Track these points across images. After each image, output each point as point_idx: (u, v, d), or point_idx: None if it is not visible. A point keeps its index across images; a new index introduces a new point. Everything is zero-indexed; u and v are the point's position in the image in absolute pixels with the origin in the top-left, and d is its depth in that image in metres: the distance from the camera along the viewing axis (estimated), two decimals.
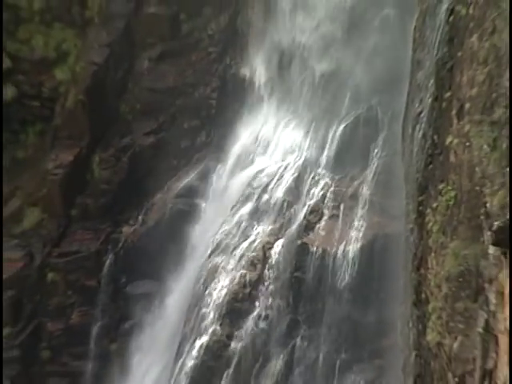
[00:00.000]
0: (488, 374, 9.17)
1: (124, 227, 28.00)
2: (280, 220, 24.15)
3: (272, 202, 24.58)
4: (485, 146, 8.88)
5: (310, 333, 22.46)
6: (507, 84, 8.50)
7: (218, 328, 22.83)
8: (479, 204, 9.21)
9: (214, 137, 28.66)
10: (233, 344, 22.66)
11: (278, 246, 23.41)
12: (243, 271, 23.25)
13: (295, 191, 24.66)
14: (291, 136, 26.61)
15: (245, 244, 23.85)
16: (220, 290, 23.24)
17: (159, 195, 28.08)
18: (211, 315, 23.02)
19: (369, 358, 21.83)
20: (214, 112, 28.84)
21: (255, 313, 22.82)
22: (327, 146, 25.39)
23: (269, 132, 27.27)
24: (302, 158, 25.57)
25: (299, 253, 23.00)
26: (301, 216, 23.82)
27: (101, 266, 27.51)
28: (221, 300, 23.04)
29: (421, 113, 12.65)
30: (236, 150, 27.43)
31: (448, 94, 11.10)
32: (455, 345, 9.89)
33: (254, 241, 23.83)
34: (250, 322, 22.75)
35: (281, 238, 23.61)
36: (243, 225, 24.56)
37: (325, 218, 23.68)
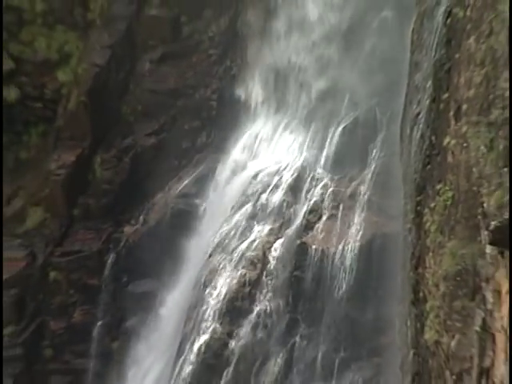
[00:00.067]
0: (485, 372, 9.17)
1: (125, 227, 28.01)
2: (279, 220, 24.15)
3: (272, 202, 24.58)
4: (482, 147, 8.88)
5: (310, 331, 22.46)
6: (504, 85, 8.50)
7: (219, 326, 22.83)
8: (476, 204, 9.21)
9: (214, 138, 28.67)
10: (233, 342, 22.66)
11: (277, 245, 23.41)
12: (243, 270, 23.25)
13: (295, 191, 24.66)
14: (291, 137, 26.63)
15: (245, 243, 23.85)
16: (220, 289, 23.24)
17: (160, 195, 28.09)
18: (211, 314, 23.01)
19: (367, 357, 21.82)
20: (214, 113, 28.84)
21: (255, 311, 22.82)
22: (326, 146, 25.39)
23: (269, 133, 27.28)
24: (302, 159, 25.58)
25: (298, 252, 22.99)
26: (300, 216, 23.82)
27: (102, 265, 27.52)
28: (221, 299, 23.04)
29: (419, 114, 12.65)
30: (236, 150, 27.43)
31: (446, 95, 11.10)
32: (453, 343, 9.89)
33: (253, 240, 23.83)
34: (249, 321, 22.75)
35: (280, 237, 23.61)
36: (243, 224, 24.56)
37: (324, 217, 23.68)
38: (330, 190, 24.20)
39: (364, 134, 24.80)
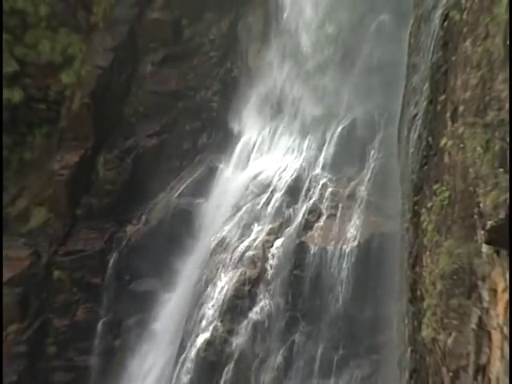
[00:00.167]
0: (481, 369, 9.17)
1: (128, 226, 28.01)
2: (279, 219, 24.15)
3: (272, 201, 24.58)
4: (478, 148, 8.88)
5: (309, 329, 22.46)
6: (500, 87, 8.51)
7: (219, 324, 22.82)
8: (473, 204, 9.21)
9: (215, 138, 28.68)
10: (233, 340, 22.66)
11: (277, 244, 23.42)
12: (244, 269, 23.25)
13: (294, 192, 24.66)
14: (290, 138, 26.63)
15: (245, 243, 23.85)
16: (221, 287, 23.24)
17: (162, 195, 28.09)
18: (212, 312, 23.02)
19: (366, 354, 21.82)
20: (215, 114, 28.86)
21: (255, 309, 22.81)
22: (325, 147, 25.40)
23: (268, 134, 27.28)
24: (301, 159, 25.58)
25: (298, 251, 22.99)
26: (300, 215, 23.82)
27: (105, 264, 27.53)
28: (222, 297, 23.04)
29: (416, 115, 12.64)
30: (237, 151, 27.45)
31: (442, 97, 11.09)
32: (449, 340, 9.89)
33: (254, 240, 23.83)
34: (250, 319, 22.74)
35: (280, 236, 23.61)
36: (244, 224, 24.57)
37: (323, 217, 23.68)
38: (329, 190, 24.20)
39: (362, 135, 24.80)
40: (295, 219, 23.85)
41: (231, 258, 23.70)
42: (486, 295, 9.04)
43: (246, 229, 24.40)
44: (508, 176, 8.07)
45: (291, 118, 26.93)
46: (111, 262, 27.54)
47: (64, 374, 27.10)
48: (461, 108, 10.00)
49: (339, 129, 25.28)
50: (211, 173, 27.67)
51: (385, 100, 22.71)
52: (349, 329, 21.99)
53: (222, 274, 23.53)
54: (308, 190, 24.51)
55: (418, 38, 13.37)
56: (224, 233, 24.62)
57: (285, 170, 25.50)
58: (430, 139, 11.68)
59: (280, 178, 25.20)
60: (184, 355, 23.03)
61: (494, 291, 8.87)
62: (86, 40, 29.30)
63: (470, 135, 9.27)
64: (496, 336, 8.79)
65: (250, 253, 23.48)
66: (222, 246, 24.34)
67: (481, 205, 8.66)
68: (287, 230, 23.66)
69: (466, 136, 9.50)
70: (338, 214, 23.53)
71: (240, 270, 23.27)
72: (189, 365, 22.75)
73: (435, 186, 11.03)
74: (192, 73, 29.40)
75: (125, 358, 26.43)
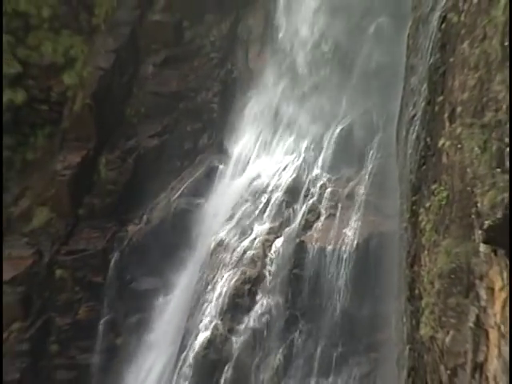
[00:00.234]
0: (479, 367, 9.18)
1: (129, 226, 27.99)
2: (279, 219, 24.15)
3: (271, 201, 24.58)
4: (476, 148, 8.88)
5: (308, 327, 22.46)
6: (497, 88, 8.51)
7: (220, 323, 22.82)
8: (470, 204, 9.21)
9: (215, 139, 28.67)
10: (234, 338, 22.66)
11: (277, 244, 23.42)
12: (244, 268, 23.25)
13: (294, 191, 24.66)
14: (290, 138, 26.62)
15: (245, 242, 23.85)
16: (221, 286, 23.23)
17: (163, 195, 28.08)
18: (213, 310, 23.02)
19: (364, 352, 21.82)
20: (215, 115, 28.85)
21: (255, 308, 22.81)
22: (324, 148, 25.39)
23: (268, 135, 27.28)
24: (301, 160, 25.57)
25: (298, 250, 22.99)
26: (299, 215, 23.82)
27: (107, 263, 27.51)
28: (222, 296, 23.04)
29: (414, 116, 12.65)
30: (237, 151, 27.44)
31: (440, 98, 11.10)
32: (447, 339, 9.89)
33: (254, 239, 23.83)
34: (250, 317, 22.74)
35: (280, 236, 23.61)
36: (244, 223, 24.57)
37: (322, 217, 23.68)
38: (328, 190, 24.20)
39: (361, 135, 24.80)
40: (295, 219, 23.85)
41: (231, 258, 23.70)
42: (483, 294, 9.04)
43: (246, 228, 24.40)
44: (505, 176, 8.07)
45: (291, 119, 26.93)
46: (113, 261, 27.52)
47: (66, 372, 27.09)
48: (459, 109, 10.01)
49: (338, 129, 25.28)
50: (212, 173, 27.67)
51: (383, 101, 22.72)
52: (348, 327, 21.99)
53: (223, 274, 23.53)
54: (307, 190, 24.51)
55: (417, 39, 13.38)
56: (224, 232, 24.61)
57: (284, 170, 25.49)
58: (428, 140, 11.68)
59: (280, 179, 25.20)
60: (185, 353, 23.02)
61: (491, 290, 8.87)
62: (87, 42, 29.30)
63: (467, 136, 9.27)
64: (493, 334, 8.79)
65: (249, 252, 23.48)
66: (222, 245, 24.33)
67: (478, 204, 8.67)
68: (287, 229, 23.66)
69: (463, 136, 9.50)
70: (337, 214, 23.53)
71: (240, 270, 23.27)
72: (189, 363, 22.75)
73: (433, 186, 11.03)
74: (193, 74, 29.39)
75: (126, 356, 26.42)
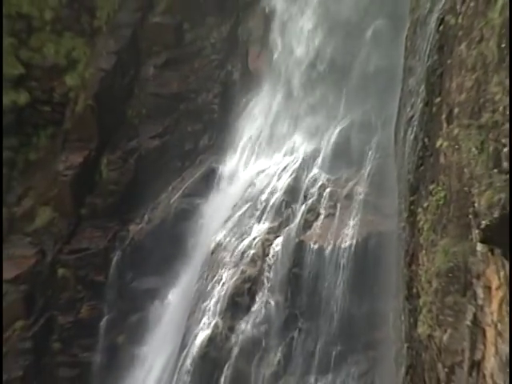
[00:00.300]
0: (476, 365, 9.18)
1: (131, 225, 28.00)
2: (279, 219, 24.13)
3: (271, 201, 24.57)
4: (473, 149, 8.88)
5: (307, 326, 22.44)
6: (494, 90, 8.50)
7: (220, 321, 22.82)
8: (468, 204, 9.21)
9: (216, 140, 28.67)
10: (234, 336, 22.64)
11: (276, 243, 23.40)
12: (244, 267, 23.24)
13: (293, 191, 24.64)
14: (290, 139, 26.61)
15: (245, 241, 23.83)
16: (222, 285, 23.23)
17: (164, 195, 28.08)
18: (213, 309, 23.01)
19: (363, 350, 21.80)
20: (215, 116, 28.85)
21: (255, 307, 22.80)
22: (323, 148, 25.37)
23: (268, 135, 27.27)
24: (300, 160, 25.55)
25: (297, 250, 22.97)
26: (299, 215, 23.80)
27: (109, 262, 27.52)
28: (222, 295, 23.03)
29: (412, 117, 12.64)
30: (237, 152, 27.44)
31: (438, 99, 11.09)
32: (445, 337, 9.89)
33: (254, 238, 23.81)
34: (250, 316, 22.74)
35: (279, 235, 23.59)
36: (244, 223, 24.55)
37: (321, 216, 23.65)
38: (327, 190, 24.18)
39: (360, 136, 24.77)
40: (294, 218, 23.83)
41: (231, 257, 23.69)
42: (480, 293, 9.04)
43: (245, 228, 24.39)
44: (502, 176, 8.07)
45: (290, 121, 26.93)
46: (115, 260, 27.53)
47: (68, 370, 27.10)
48: (456, 110, 10.00)
49: (337, 130, 25.26)
50: (212, 173, 27.66)
51: (382, 102, 22.71)
52: (346, 326, 21.98)
53: (223, 272, 23.52)
54: (307, 190, 24.48)
55: (414, 41, 13.37)
56: (224, 232, 24.60)
57: (284, 170, 25.48)
58: (425, 140, 11.67)
59: (279, 179, 25.18)
60: (185, 352, 23.01)
61: (488, 289, 8.87)
62: (89, 43, 29.31)
63: (465, 136, 9.27)
64: (490, 333, 8.79)
65: (249, 252, 23.47)
66: (222, 244, 24.32)
67: (475, 204, 8.66)
68: (286, 229, 23.64)
69: (461, 137, 9.50)
70: (336, 214, 23.51)
71: (240, 269, 23.26)
72: (190, 361, 22.74)
73: (431, 186, 11.03)
74: (193, 75, 29.39)
75: (127, 354, 26.42)
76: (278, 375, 22.34)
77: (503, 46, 8.37)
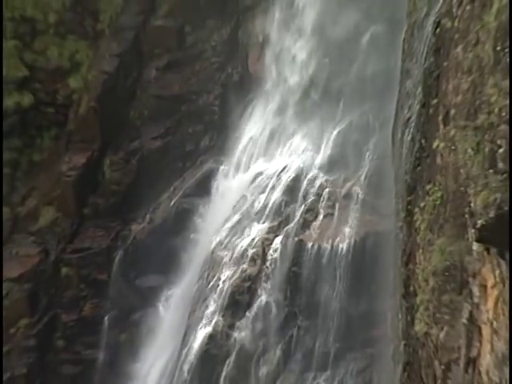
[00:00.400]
0: (472, 362, 9.18)
1: (133, 225, 27.99)
2: (278, 218, 24.14)
3: (271, 201, 24.57)
4: (469, 150, 8.88)
5: (306, 324, 22.45)
6: (490, 92, 8.51)
7: (221, 319, 22.83)
8: (464, 203, 9.21)
9: (216, 141, 28.67)
10: (234, 334, 22.66)
11: (276, 242, 23.40)
12: (244, 266, 23.24)
13: (292, 191, 24.64)
14: (289, 140, 26.61)
15: (245, 241, 23.84)
16: (222, 283, 23.23)
17: (166, 195, 28.07)
18: (214, 307, 23.02)
19: (361, 347, 21.81)
20: (216, 118, 28.84)
21: (255, 305, 22.81)
22: (322, 149, 25.39)
23: (268, 136, 27.27)
24: (299, 161, 25.56)
25: (296, 249, 22.98)
26: (298, 215, 23.81)
27: (111, 261, 27.51)
28: (223, 293, 23.04)
29: (409, 118, 12.64)
30: (237, 153, 27.43)
31: (435, 101, 11.10)
32: (441, 335, 9.90)
33: (254, 238, 23.82)
34: (250, 314, 22.74)
35: (279, 235, 23.59)
36: (244, 223, 24.56)
37: (320, 216, 23.66)
38: (326, 190, 24.18)
39: (358, 137, 24.79)
40: (293, 218, 23.83)
41: (232, 256, 23.69)
42: (476, 291, 9.05)
43: (246, 227, 24.39)
44: (498, 177, 8.07)
45: (290, 122, 26.95)
46: (117, 259, 27.53)
47: (72, 367, 27.10)
48: (452, 111, 10.01)
49: (336, 131, 25.28)
50: (213, 174, 27.66)
51: (379, 104, 22.72)
52: (345, 323, 21.99)
53: (223, 271, 23.53)
54: (306, 190, 24.49)
55: (412, 44, 13.38)
56: (225, 231, 24.61)
57: (284, 171, 25.48)
58: (422, 141, 11.68)
59: (279, 179, 25.18)
60: (187, 349, 23.03)
61: (484, 287, 8.88)
62: (92, 46, 29.31)
63: (461, 138, 9.27)
64: (486, 330, 8.79)
65: (250, 251, 23.47)
66: (222, 244, 24.33)
67: (471, 204, 8.67)
68: (286, 228, 23.64)
69: (457, 138, 9.51)
70: (335, 214, 23.52)
71: (240, 268, 23.27)
72: (191, 358, 22.75)
73: (428, 187, 11.03)
74: (194, 78, 29.39)
75: (130, 351, 26.42)
76: (278, 372, 22.36)
77: (498, 48, 8.37)
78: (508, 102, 7.99)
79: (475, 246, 8.97)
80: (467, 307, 9.25)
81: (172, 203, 27.70)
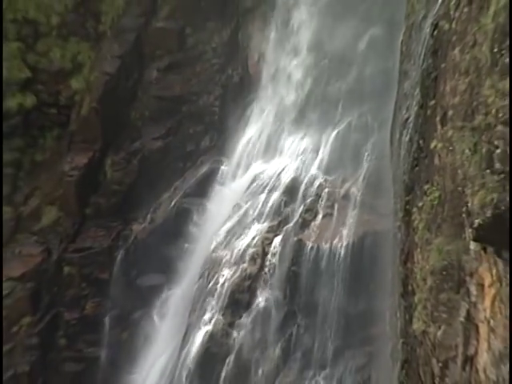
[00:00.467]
0: (469, 360, 9.18)
1: (134, 225, 28.00)
2: (278, 218, 24.14)
3: (270, 201, 24.58)
4: (466, 150, 8.88)
5: (306, 322, 22.45)
6: (487, 93, 8.51)
7: (221, 318, 22.83)
8: (461, 203, 9.21)
9: (217, 141, 28.68)
10: (234, 332, 22.66)
11: (276, 242, 23.41)
12: (244, 265, 23.25)
13: (292, 192, 24.65)
14: (288, 141, 26.62)
15: (245, 240, 23.84)
16: (223, 282, 23.24)
17: (166, 195, 28.08)
18: (214, 306, 23.02)
19: (360, 346, 21.81)
20: (216, 118, 28.85)
21: (255, 304, 22.81)
22: (321, 149, 25.39)
23: (268, 137, 27.27)
24: (298, 161, 25.57)
25: (296, 248, 22.99)
26: (297, 214, 23.82)
27: (112, 260, 27.52)
28: (223, 292, 23.04)
29: (407, 119, 12.65)
30: (237, 153, 27.44)
31: (432, 102, 11.10)
32: (439, 333, 9.90)
33: (253, 237, 23.82)
34: (250, 313, 22.74)
35: (279, 234, 23.60)
36: (244, 222, 24.56)
37: (319, 216, 23.67)
38: (325, 190, 24.19)
39: (357, 138, 24.79)
40: (293, 218, 23.84)
41: (232, 255, 23.70)
42: (473, 290, 9.05)
43: (246, 227, 24.40)
44: (495, 177, 8.07)
45: (289, 123, 26.96)
46: (118, 258, 27.54)
47: (74, 365, 27.10)
48: (450, 112, 10.01)
49: (335, 132, 25.28)
50: (213, 174, 27.67)
51: (378, 105, 22.72)
52: (343, 322, 21.99)
53: (224, 270, 23.53)
54: (305, 190, 24.50)
55: (410, 46, 13.38)
56: (225, 231, 24.61)
57: (283, 171, 25.49)
58: (420, 142, 11.68)
59: (279, 179, 25.19)
60: (188, 347, 23.03)
61: (481, 286, 8.88)
62: (94, 48, 29.31)
63: (458, 138, 9.27)
64: (483, 329, 8.80)
65: (249, 250, 23.48)
66: (223, 243, 24.33)
67: (469, 204, 8.67)
68: (285, 228, 23.65)
69: (454, 139, 9.51)
70: (334, 213, 23.53)
71: (240, 267, 23.27)
72: (192, 356, 22.75)
73: (426, 187, 11.03)
74: (195, 79, 29.39)
75: (131, 349, 26.43)
76: (277, 370, 22.36)
77: (495, 50, 8.37)
78: (505, 103, 7.99)
79: (472, 246, 8.98)
80: (464, 306, 9.25)
81: (173, 203, 27.71)
